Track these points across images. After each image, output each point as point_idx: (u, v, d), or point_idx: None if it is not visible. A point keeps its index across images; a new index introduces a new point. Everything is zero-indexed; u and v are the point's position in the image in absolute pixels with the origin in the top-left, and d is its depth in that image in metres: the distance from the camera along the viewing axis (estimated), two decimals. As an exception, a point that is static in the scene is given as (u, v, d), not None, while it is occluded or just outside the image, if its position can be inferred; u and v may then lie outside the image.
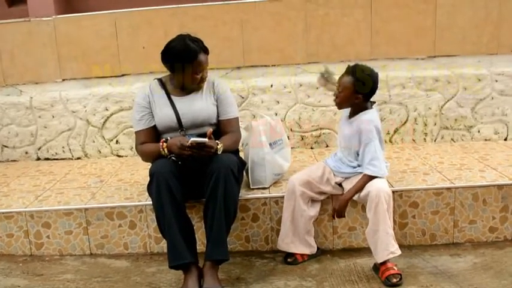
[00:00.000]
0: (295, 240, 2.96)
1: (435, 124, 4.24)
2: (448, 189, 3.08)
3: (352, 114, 2.90)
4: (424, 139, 4.27)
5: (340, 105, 2.89)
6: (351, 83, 2.78)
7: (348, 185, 2.90)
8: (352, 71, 2.81)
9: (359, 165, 2.88)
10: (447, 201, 3.08)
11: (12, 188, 3.63)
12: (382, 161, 2.81)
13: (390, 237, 2.67)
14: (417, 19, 4.18)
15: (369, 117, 2.82)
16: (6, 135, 4.46)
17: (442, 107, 4.22)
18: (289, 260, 2.99)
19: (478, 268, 2.81)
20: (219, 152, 2.76)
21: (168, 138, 2.85)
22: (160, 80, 3.05)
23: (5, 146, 4.49)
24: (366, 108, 2.86)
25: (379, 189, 2.67)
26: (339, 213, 2.86)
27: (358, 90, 2.78)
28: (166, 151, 2.80)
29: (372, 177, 2.76)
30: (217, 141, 2.80)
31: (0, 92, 4.47)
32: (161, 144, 2.82)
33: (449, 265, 2.86)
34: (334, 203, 2.92)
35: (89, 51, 4.34)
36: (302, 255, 2.98)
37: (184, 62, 2.83)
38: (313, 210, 2.98)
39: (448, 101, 4.21)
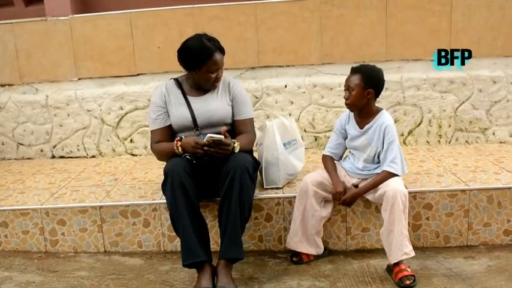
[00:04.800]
0: (303, 239, 2.95)
1: (450, 126, 4.22)
2: (463, 191, 3.06)
3: (364, 122, 2.89)
4: (439, 141, 4.26)
5: (352, 105, 2.86)
6: (360, 79, 2.79)
7: (364, 186, 2.92)
8: (356, 68, 2.85)
9: (376, 168, 2.89)
10: (461, 203, 3.06)
11: (28, 186, 3.67)
12: (403, 159, 2.84)
13: (405, 238, 2.66)
14: (432, 21, 4.16)
15: (389, 116, 2.85)
16: (21, 133, 4.51)
17: (456, 109, 4.20)
18: (294, 259, 3.00)
19: (492, 271, 2.79)
20: (236, 151, 2.77)
21: (183, 136, 2.87)
22: (176, 80, 3.06)
23: (21, 144, 4.54)
24: (377, 111, 2.87)
25: (395, 190, 2.66)
26: (348, 204, 2.89)
27: (368, 85, 2.79)
28: (180, 149, 2.81)
29: (391, 175, 2.77)
30: (233, 139, 2.81)
31: (16, 90, 4.51)
32: (175, 142, 2.83)
33: (463, 268, 2.84)
34: (347, 192, 2.88)
35: (104, 51, 4.37)
36: (308, 255, 2.98)
37: (200, 61, 2.84)
38: (325, 211, 2.97)
39: (463, 103, 4.20)
